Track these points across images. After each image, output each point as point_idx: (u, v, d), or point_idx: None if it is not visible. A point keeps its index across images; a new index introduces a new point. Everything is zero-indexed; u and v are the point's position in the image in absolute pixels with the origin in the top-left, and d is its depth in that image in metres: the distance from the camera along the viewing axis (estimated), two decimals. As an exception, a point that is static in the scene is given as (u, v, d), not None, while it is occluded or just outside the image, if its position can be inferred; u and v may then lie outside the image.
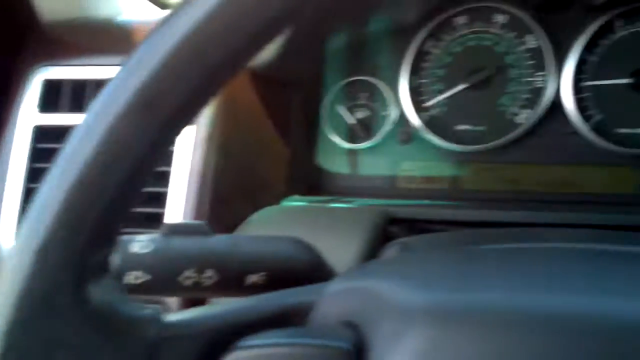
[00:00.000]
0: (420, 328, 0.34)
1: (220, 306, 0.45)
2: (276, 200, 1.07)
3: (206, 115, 0.97)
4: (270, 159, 1.11)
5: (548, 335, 0.33)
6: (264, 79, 1.05)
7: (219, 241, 0.55)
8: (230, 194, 0.98)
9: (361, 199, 1.09)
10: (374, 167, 1.17)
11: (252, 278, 0.54)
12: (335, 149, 1.18)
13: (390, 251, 0.78)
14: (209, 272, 0.53)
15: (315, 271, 0.57)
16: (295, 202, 1.07)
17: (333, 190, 1.18)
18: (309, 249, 0.58)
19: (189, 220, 0.90)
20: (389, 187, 1.16)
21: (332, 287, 0.45)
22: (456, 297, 0.37)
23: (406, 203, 1.04)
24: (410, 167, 1.15)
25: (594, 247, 0.65)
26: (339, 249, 0.82)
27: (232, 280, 0.53)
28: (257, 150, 1.07)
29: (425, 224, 0.98)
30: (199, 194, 0.93)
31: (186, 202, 0.92)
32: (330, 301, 0.44)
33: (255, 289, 0.54)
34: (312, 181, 1.19)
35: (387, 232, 0.96)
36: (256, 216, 0.95)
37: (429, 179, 1.14)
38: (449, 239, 0.77)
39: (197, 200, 0.93)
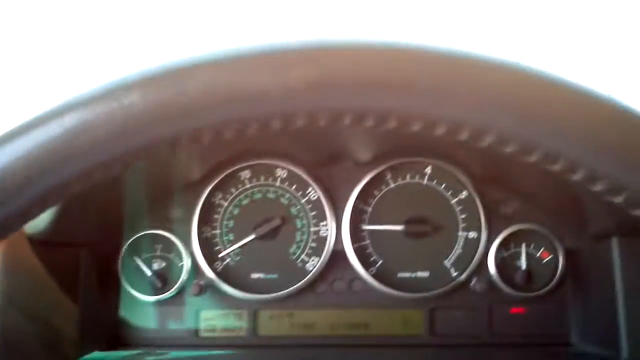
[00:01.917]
0: None
1: None
2: (72, 358, 1.03)
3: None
4: (60, 319, 1.07)
5: None
6: (43, 243, 1.02)
7: None
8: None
9: (164, 350, 1.09)
10: (176, 317, 1.17)
11: None
12: (136, 302, 1.16)
13: None
14: None
15: None
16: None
17: (138, 342, 1.16)
18: None
19: None
20: (192, 337, 1.16)
21: None
22: None
23: (204, 354, 1.05)
24: (210, 315, 1.17)
25: None
26: None
27: None
28: (45, 313, 1.03)
29: None
30: None
31: None
32: None
33: None
34: (117, 334, 1.17)
35: None
36: None
37: (228, 327, 1.16)
38: None
39: None
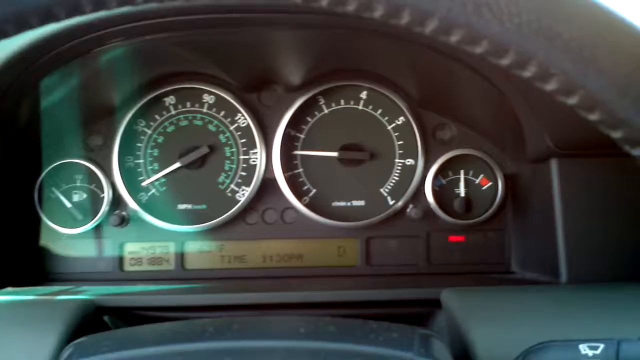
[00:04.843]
0: None
1: None
2: None
3: None
4: None
5: None
6: None
7: None
8: None
9: (84, 285, 1.02)
10: (98, 250, 1.10)
11: None
12: (56, 235, 1.09)
13: (65, 354, 0.72)
14: None
15: None
16: (2, 296, 0.98)
17: (60, 277, 1.09)
18: None
19: None
20: (116, 271, 1.10)
21: None
22: None
23: (124, 291, 0.99)
24: (135, 248, 1.11)
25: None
26: (34, 347, 0.74)
27: None
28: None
29: (139, 311, 0.94)
30: None
31: None
32: None
33: None
34: (38, 269, 1.10)
35: (101, 322, 0.91)
36: None
37: (154, 260, 1.11)
38: (128, 337, 0.73)
39: None
